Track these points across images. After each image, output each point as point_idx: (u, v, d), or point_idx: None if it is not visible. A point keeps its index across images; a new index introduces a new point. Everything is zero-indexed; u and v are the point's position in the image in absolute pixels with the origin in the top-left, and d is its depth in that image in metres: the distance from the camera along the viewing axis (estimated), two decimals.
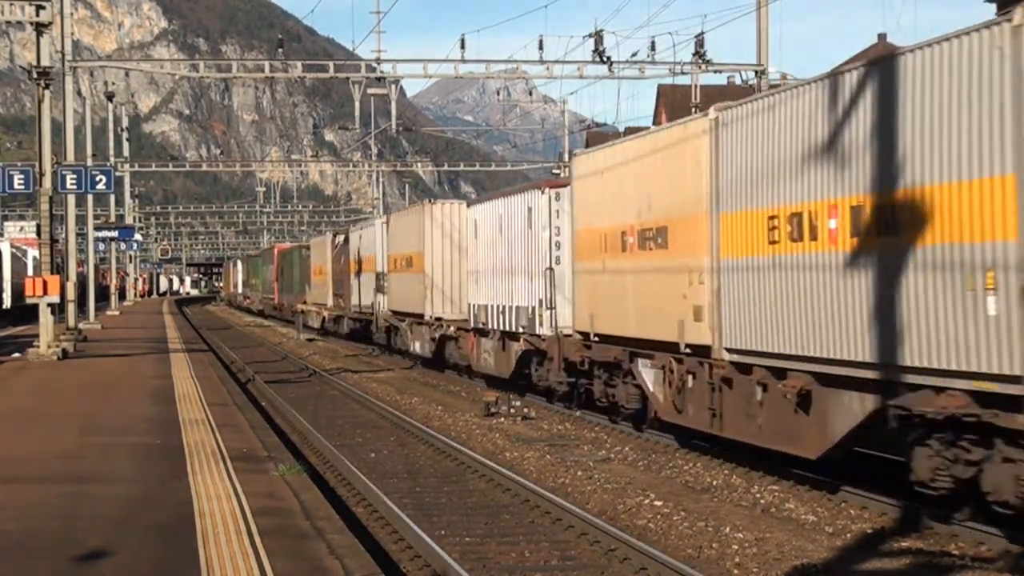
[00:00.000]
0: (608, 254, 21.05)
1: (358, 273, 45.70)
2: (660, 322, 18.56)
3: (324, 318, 55.53)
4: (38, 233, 35.46)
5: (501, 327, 27.62)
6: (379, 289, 41.21)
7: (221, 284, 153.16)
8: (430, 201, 35.69)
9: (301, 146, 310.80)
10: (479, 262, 29.66)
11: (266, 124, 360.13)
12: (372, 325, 43.36)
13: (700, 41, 41.33)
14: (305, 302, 62.69)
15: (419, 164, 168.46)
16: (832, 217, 14.19)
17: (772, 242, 15.61)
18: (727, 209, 16.81)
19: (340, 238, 52.11)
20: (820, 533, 13.34)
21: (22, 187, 32.91)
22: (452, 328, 32.58)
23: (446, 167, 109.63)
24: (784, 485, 15.97)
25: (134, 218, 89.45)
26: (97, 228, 64.84)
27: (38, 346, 32.87)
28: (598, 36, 40.85)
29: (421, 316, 34.73)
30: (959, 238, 11.96)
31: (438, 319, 33.59)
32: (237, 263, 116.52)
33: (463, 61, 42.73)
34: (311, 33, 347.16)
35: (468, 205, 31.44)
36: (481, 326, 29.35)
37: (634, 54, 42.49)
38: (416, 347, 36.28)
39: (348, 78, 44.91)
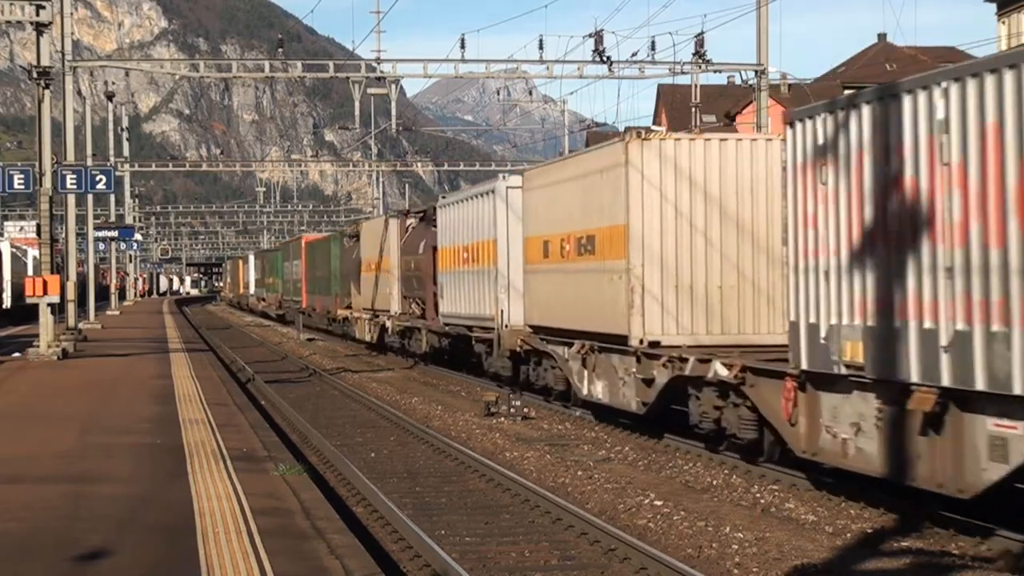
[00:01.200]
0: None
1: (456, 267, 31.21)
2: None
3: (386, 329, 40.53)
4: (38, 233, 35.48)
5: (945, 379, 12.29)
6: (503, 291, 27.07)
7: (222, 284, 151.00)
8: (637, 134, 20.15)
9: (301, 146, 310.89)
10: (848, 230, 13.99)
11: (266, 124, 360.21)
12: (487, 346, 28.61)
13: (700, 41, 41.41)
14: (350, 307, 47.99)
15: (419, 164, 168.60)
16: None
17: None
18: None
19: (413, 220, 39.38)
20: (820, 533, 13.34)
21: (22, 187, 32.94)
22: (726, 369, 17.08)
23: (446, 167, 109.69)
24: (784, 485, 15.97)
25: (134, 218, 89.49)
26: (97, 228, 64.88)
27: (38, 346, 32.90)
28: (598, 36, 40.93)
29: (615, 338, 20.55)
30: None
31: (655, 345, 19.59)
32: (248, 259, 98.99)
33: (463, 61, 42.79)
34: (311, 33, 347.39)
35: (811, 114, 14.70)
36: (846, 370, 14.03)
37: (634, 54, 42.62)
38: (597, 391, 21.98)
39: (348, 78, 44.94)
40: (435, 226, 33.76)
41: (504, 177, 28.27)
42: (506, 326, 26.76)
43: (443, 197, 34.26)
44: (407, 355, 38.56)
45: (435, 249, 33.52)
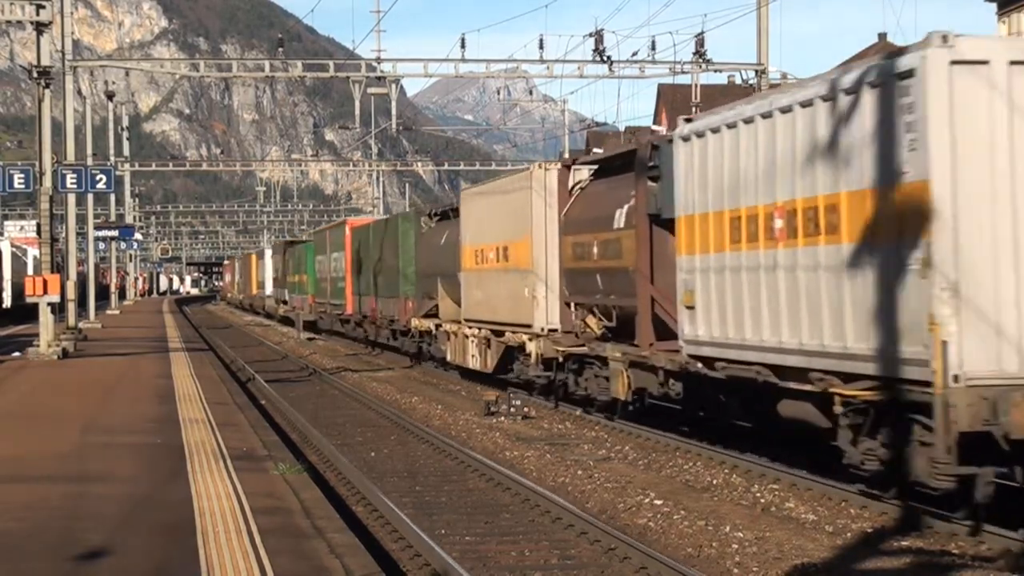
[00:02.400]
0: None
1: (740, 247, 16.30)
2: None
3: (520, 354, 25.84)
4: (38, 232, 35.49)
5: None
6: (944, 300, 12.27)
7: (222, 284, 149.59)
8: None
9: (301, 145, 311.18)
10: None
11: (266, 124, 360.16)
12: (866, 415, 13.75)
13: (700, 40, 41.44)
14: (434, 315, 33.18)
15: (419, 164, 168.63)
16: None
17: None
18: None
19: (584, 174, 24.02)
20: (820, 532, 13.34)
21: (22, 186, 32.98)
22: None
23: (446, 166, 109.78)
24: (784, 484, 15.96)
25: (134, 217, 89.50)
26: (97, 227, 64.89)
27: (38, 345, 32.90)
28: (598, 35, 40.95)
29: None
30: None
31: None
32: (264, 254, 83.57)
33: (463, 60, 42.79)
34: (311, 33, 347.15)
35: None
36: None
37: (634, 53, 42.66)
38: None
39: (348, 77, 44.98)
40: (655, 179, 19.30)
41: (950, 38, 12.50)
42: (955, 378, 12.17)
43: (686, 121, 18.06)
44: (569, 402, 24.35)
45: (657, 220, 19.36)
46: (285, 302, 69.08)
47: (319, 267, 56.08)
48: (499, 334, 26.84)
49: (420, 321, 34.56)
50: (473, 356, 29.03)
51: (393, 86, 46.27)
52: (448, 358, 31.51)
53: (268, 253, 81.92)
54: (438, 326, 32.56)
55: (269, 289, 78.69)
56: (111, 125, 74.25)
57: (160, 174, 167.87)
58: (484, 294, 28.10)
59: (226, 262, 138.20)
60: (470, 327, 29.15)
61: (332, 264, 51.37)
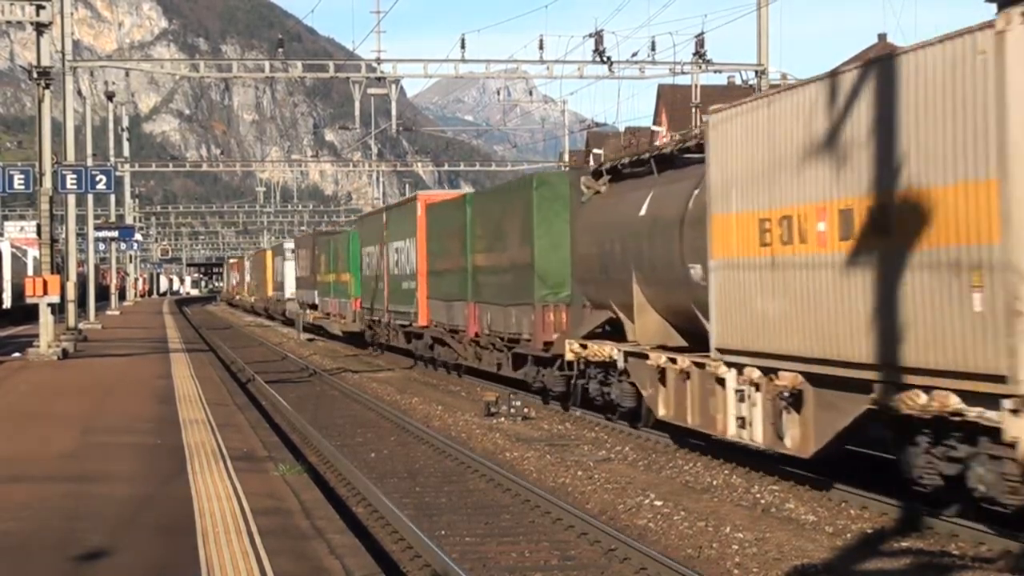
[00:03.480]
0: None
1: None
2: None
3: (1008, 444, 11.17)
4: (38, 233, 35.49)
5: None
6: None
7: (225, 285, 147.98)
8: None
9: (301, 146, 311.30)
10: None
11: (266, 124, 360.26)
12: None
13: (700, 41, 41.50)
14: (613, 335, 21.63)
15: (419, 164, 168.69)
16: None
17: None
18: None
19: None
20: (820, 533, 13.34)
21: (22, 187, 32.97)
22: None
23: (446, 167, 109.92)
24: (784, 485, 15.96)
25: (134, 218, 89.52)
26: (97, 228, 64.93)
27: (38, 346, 32.90)
28: (598, 36, 41.01)
29: None
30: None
31: None
32: (283, 248, 70.92)
33: (463, 61, 42.83)
34: (311, 33, 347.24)
35: None
36: None
37: (634, 54, 42.70)
38: None
39: (348, 78, 45.03)
40: None
41: None
42: None
43: None
44: None
45: None
46: (314, 306, 55.94)
47: (368, 262, 43.38)
48: (840, 385, 14.03)
49: (587, 346, 21.76)
50: (742, 421, 16.11)
51: (393, 86, 46.30)
52: (660, 413, 18.85)
53: (289, 247, 68.33)
54: (632, 355, 19.92)
55: (290, 291, 65.89)
56: (111, 125, 74.27)
57: (160, 175, 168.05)
58: (793, 304, 14.81)
59: (232, 261, 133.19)
60: (736, 364, 16.23)
61: (393, 257, 38.67)
